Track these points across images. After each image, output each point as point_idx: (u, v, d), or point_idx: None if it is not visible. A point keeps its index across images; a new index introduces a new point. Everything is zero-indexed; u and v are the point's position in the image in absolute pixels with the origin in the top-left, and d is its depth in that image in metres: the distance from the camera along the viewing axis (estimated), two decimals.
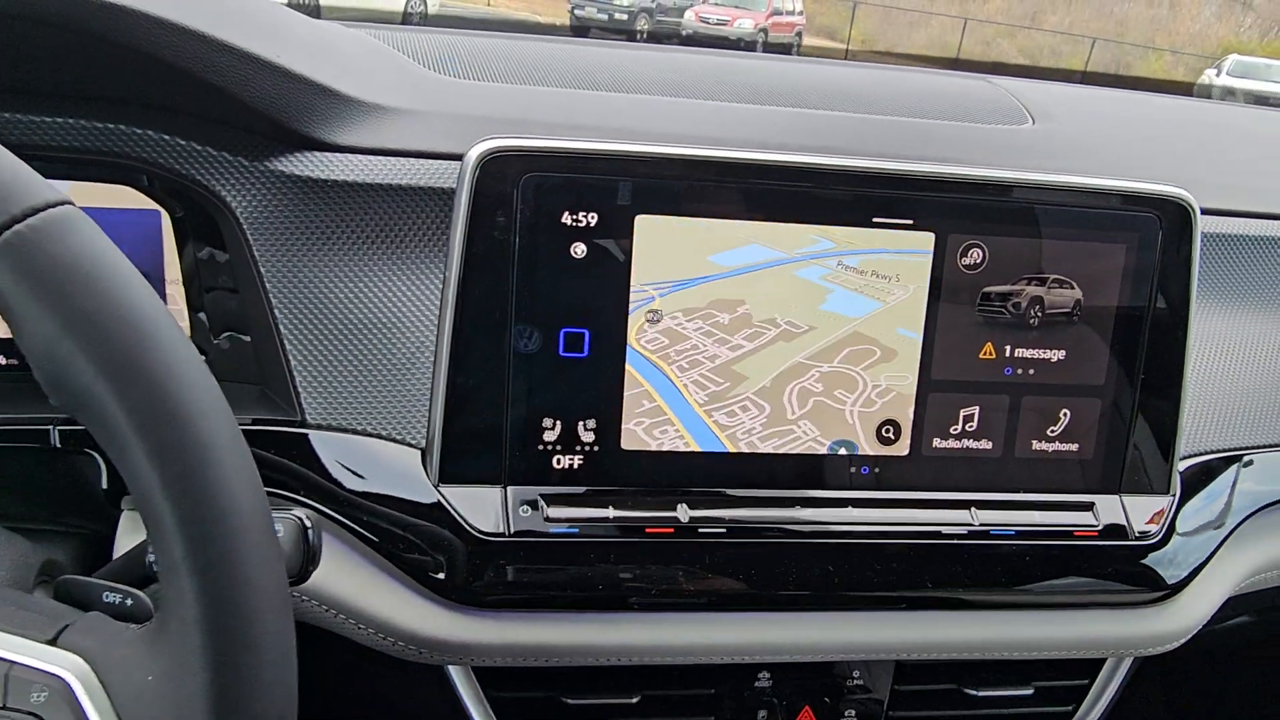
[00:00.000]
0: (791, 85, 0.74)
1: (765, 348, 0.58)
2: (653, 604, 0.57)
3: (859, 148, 0.68)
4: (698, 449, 0.58)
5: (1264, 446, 0.69)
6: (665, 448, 0.57)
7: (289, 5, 0.80)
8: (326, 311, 0.58)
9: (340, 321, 0.58)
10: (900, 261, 0.58)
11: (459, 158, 0.55)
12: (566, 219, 0.55)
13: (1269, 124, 0.93)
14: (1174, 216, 0.60)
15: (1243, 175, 0.77)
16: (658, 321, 0.56)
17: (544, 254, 0.55)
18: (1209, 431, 0.68)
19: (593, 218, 0.55)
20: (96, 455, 0.55)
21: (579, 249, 0.55)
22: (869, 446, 0.60)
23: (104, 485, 0.55)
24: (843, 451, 0.59)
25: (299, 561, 0.44)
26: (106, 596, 0.40)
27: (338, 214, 0.58)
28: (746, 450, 0.58)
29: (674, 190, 0.55)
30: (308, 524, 0.44)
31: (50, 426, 0.54)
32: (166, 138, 0.57)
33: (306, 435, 0.57)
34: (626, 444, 0.57)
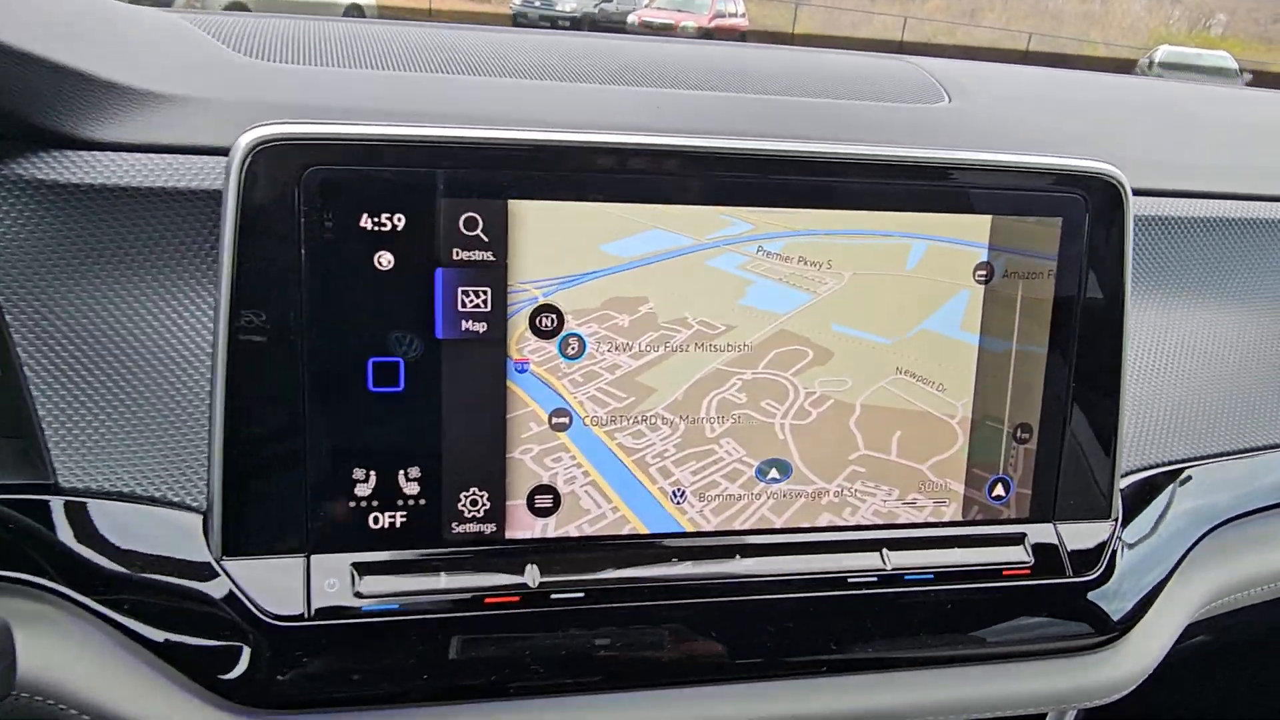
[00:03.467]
0: (682, 66, 0.65)
1: (675, 354, 0.48)
2: (495, 690, 0.47)
3: (750, 131, 0.59)
4: (599, 479, 0.48)
5: (1215, 455, 0.60)
6: (559, 479, 0.47)
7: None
8: (81, 348, 0.47)
9: (98, 359, 0.47)
10: (833, 244, 0.49)
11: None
12: (366, 222, 0.44)
13: (1203, 100, 0.86)
14: (1102, 196, 0.52)
15: (1176, 151, 0.69)
16: (546, 325, 0.46)
17: (338, 267, 0.44)
18: (1153, 442, 0.59)
19: (399, 220, 0.44)
20: None
21: (384, 259, 0.44)
22: (805, 466, 0.50)
23: None
24: (774, 473, 0.50)
25: None
26: None
27: (93, 226, 0.47)
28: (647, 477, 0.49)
29: (542, 176, 0.46)
30: None
31: None
32: None
33: (56, 502, 0.46)
34: (513, 475, 0.47)
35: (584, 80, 0.59)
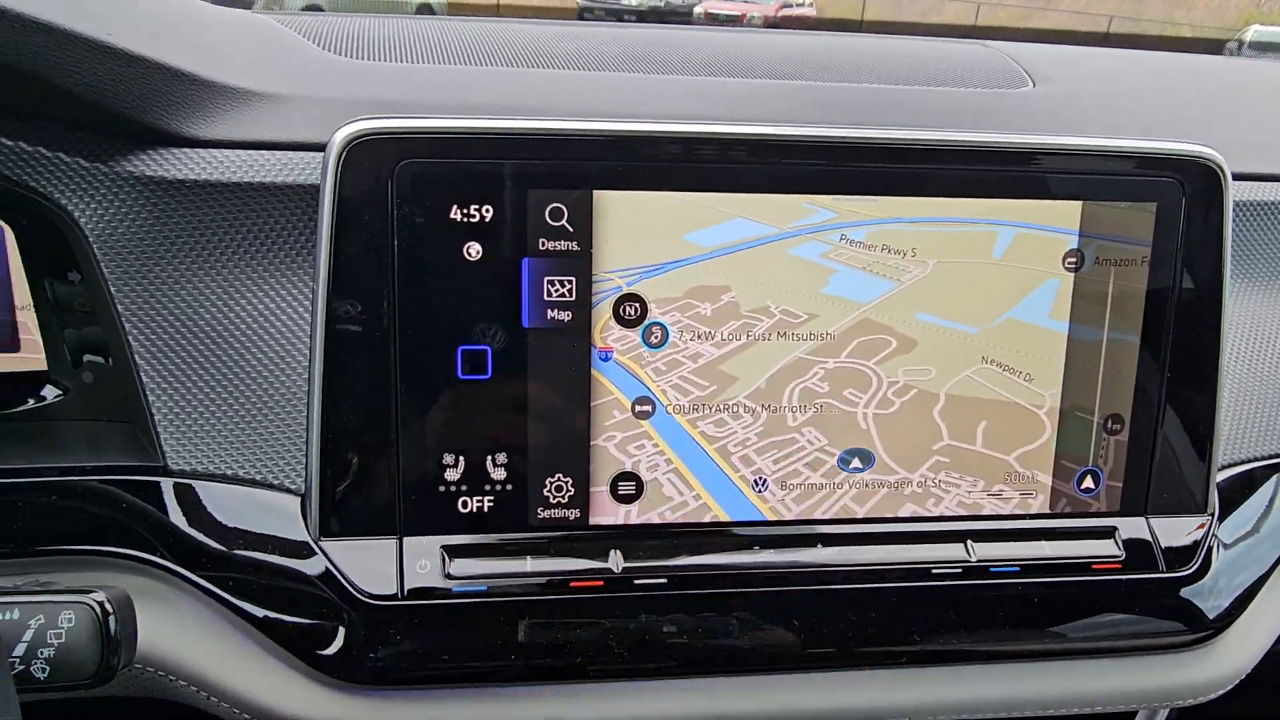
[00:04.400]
0: (759, 57, 0.65)
1: (757, 343, 0.48)
2: (581, 673, 0.48)
3: (831, 119, 0.58)
4: (682, 466, 0.48)
5: None
6: (642, 466, 0.48)
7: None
8: (187, 336, 0.49)
9: (203, 348, 0.49)
10: (917, 232, 0.48)
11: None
12: (456, 214, 0.45)
13: None
14: (1200, 180, 0.50)
15: (1275, 133, 0.66)
16: (630, 314, 0.47)
17: (429, 258, 0.45)
18: (1251, 435, 0.57)
19: (487, 211, 0.45)
20: None
21: (473, 249, 0.46)
22: (888, 456, 0.50)
23: None
24: (856, 463, 0.50)
25: (96, 656, 0.35)
26: None
27: (197, 221, 0.49)
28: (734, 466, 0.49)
29: (627, 167, 0.46)
30: (108, 609, 0.35)
31: None
32: None
33: (166, 483, 0.48)
34: (597, 462, 0.48)
35: (664, 72, 0.60)
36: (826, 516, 0.50)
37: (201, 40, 0.53)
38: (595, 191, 0.46)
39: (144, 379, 0.49)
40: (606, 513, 0.49)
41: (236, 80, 0.52)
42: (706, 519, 0.49)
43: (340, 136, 0.44)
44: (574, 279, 0.47)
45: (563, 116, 0.47)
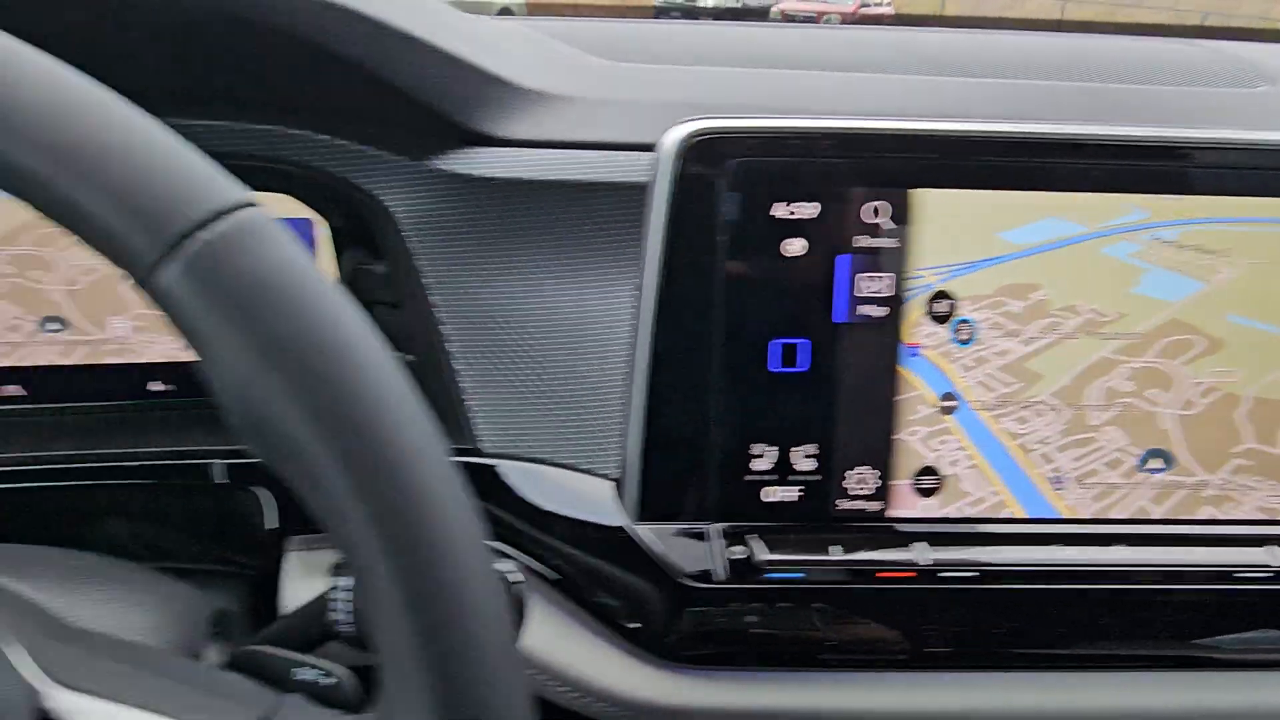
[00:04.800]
0: (1010, 59, 0.64)
1: (1064, 341, 0.49)
2: (890, 662, 0.49)
3: (1084, 119, 0.58)
4: (983, 462, 0.49)
5: None
6: (944, 461, 0.49)
7: None
8: (501, 325, 0.51)
9: (517, 336, 0.51)
10: (1230, 233, 0.48)
11: (648, 147, 0.48)
12: (779, 210, 0.47)
13: None
14: None
15: None
16: (940, 311, 0.48)
17: (752, 253, 0.47)
18: None
19: (811, 208, 0.46)
20: (263, 490, 0.50)
21: (793, 246, 0.47)
22: (1188, 457, 0.50)
23: (271, 523, 0.50)
24: (1157, 464, 0.50)
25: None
26: (298, 673, 0.33)
27: (511, 216, 0.52)
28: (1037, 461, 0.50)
29: (946, 165, 0.47)
30: (518, 579, 0.37)
31: (213, 461, 0.49)
32: (322, 137, 0.51)
33: (486, 466, 0.50)
34: (900, 455, 0.49)
35: (923, 73, 0.60)
36: (1123, 516, 0.50)
37: (502, 47, 0.55)
38: (912, 190, 0.47)
39: (456, 365, 0.52)
40: (906, 506, 0.50)
41: (543, 84, 0.54)
42: (1003, 515, 0.50)
43: (679, 135, 0.46)
44: (887, 275, 0.48)
45: (876, 116, 0.48)
